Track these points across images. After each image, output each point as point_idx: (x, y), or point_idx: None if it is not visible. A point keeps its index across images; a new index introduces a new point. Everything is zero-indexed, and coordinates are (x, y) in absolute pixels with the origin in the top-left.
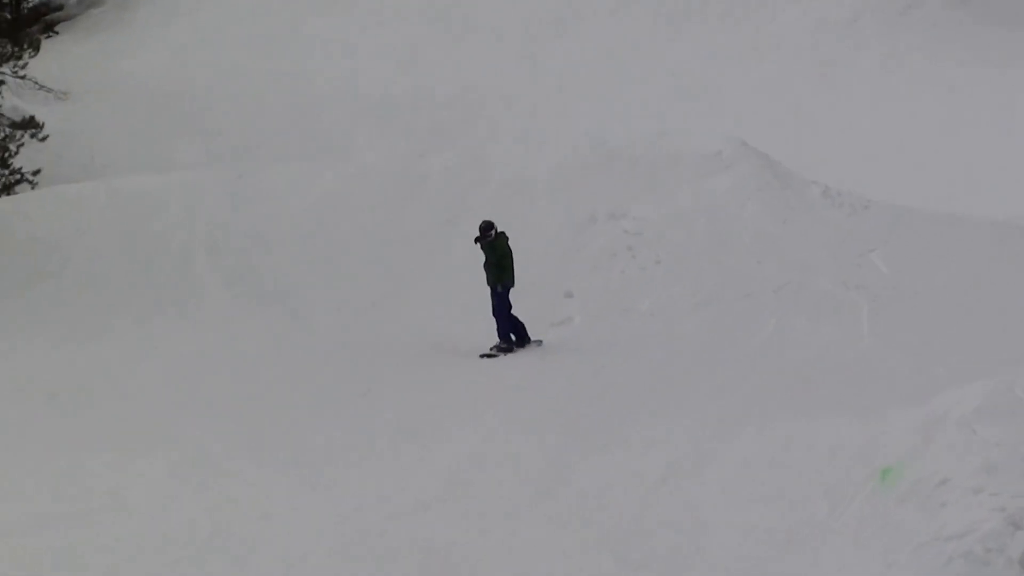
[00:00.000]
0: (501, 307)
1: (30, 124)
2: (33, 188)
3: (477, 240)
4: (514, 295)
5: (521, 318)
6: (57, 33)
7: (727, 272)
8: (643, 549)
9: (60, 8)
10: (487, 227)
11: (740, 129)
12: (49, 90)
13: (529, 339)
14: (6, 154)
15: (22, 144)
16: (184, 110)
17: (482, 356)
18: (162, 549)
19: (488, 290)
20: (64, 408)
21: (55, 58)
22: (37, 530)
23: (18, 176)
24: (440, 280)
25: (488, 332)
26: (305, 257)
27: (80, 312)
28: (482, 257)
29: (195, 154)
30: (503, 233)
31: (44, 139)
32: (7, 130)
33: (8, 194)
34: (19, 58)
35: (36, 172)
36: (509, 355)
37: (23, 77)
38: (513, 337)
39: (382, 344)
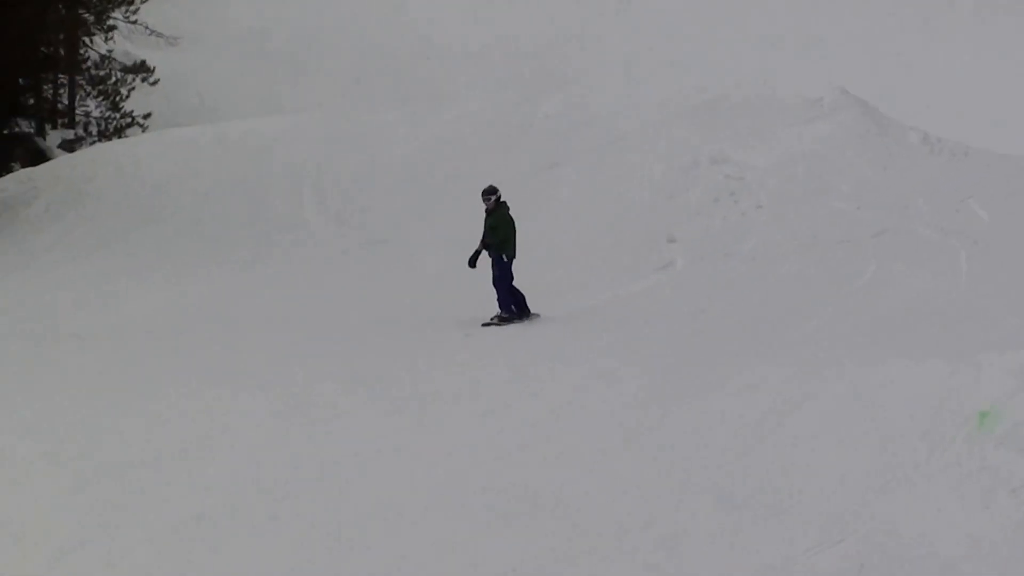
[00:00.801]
0: (504, 277)
1: (141, 68)
2: (144, 131)
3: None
4: (615, 243)
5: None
6: None
7: (827, 217)
8: (742, 491)
9: None
10: (491, 191)
11: (841, 77)
12: (160, 35)
13: (529, 312)
14: (117, 98)
15: (133, 88)
16: (291, 55)
17: (484, 325)
18: (269, 488)
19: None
20: (166, 349)
21: (166, 4)
22: (137, 469)
23: (129, 119)
24: (543, 224)
25: (573, 282)
26: (409, 200)
27: (188, 253)
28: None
29: (302, 98)
30: (504, 203)
31: (155, 83)
32: (119, 74)
33: (119, 137)
34: (130, 3)
35: (147, 116)
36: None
37: (134, 22)
38: (514, 308)
39: (485, 285)
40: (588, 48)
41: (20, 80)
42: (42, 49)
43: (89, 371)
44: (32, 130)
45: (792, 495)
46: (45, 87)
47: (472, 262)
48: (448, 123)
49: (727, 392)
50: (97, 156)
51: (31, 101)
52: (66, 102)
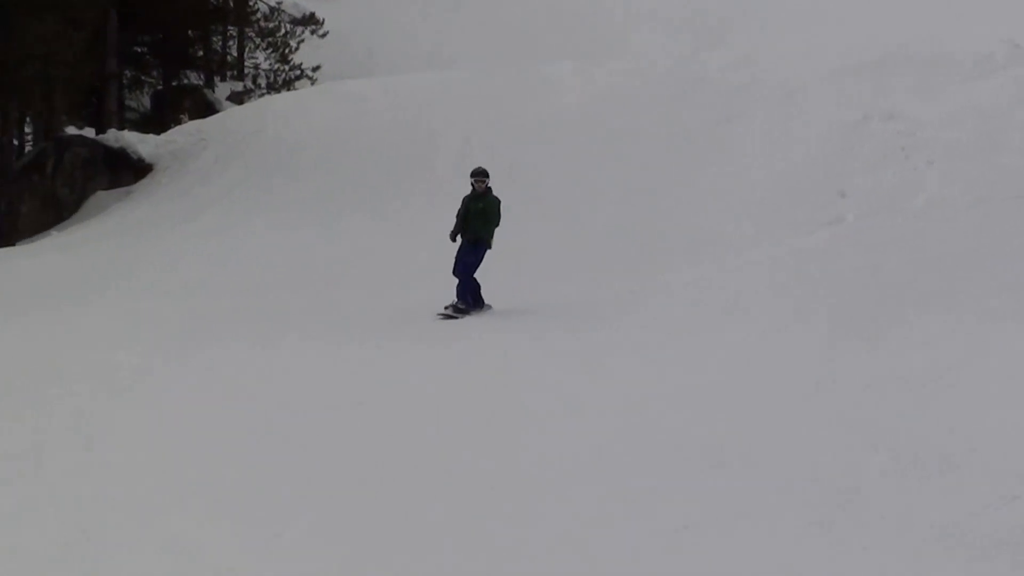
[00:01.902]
0: (475, 267)
1: (310, 21)
2: (312, 84)
3: (474, 186)
4: (786, 197)
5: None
6: None
7: (1000, 172)
8: (915, 448)
9: None
10: (485, 173)
11: (1013, 31)
12: None
13: (483, 303)
14: (287, 50)
15: (302, 40)
16: (461, 8)
17: (440, 315)
18: (447, 436)
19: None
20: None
21: None
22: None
23: (298, 72)
24: (715, 178)
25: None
26: (579, 153)
27: (354, 206)
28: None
29: (471, 51)
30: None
31: (324, 36)
32: (288, 26)
33: (288, 89)
34: None
35: (316, 68)
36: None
37: None
38: (470, 299)
39: (654, 239)
40: (758, 4)
41: (189, 32)
42: (211, 1)
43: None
44: (201, 82)
45: (967, 453)
46: (214, 39)
47: (453, 236)
48: (618, 77)
49: (899, 347)
50: (265, 108)
51: (200, 53)
52: (235, 54)
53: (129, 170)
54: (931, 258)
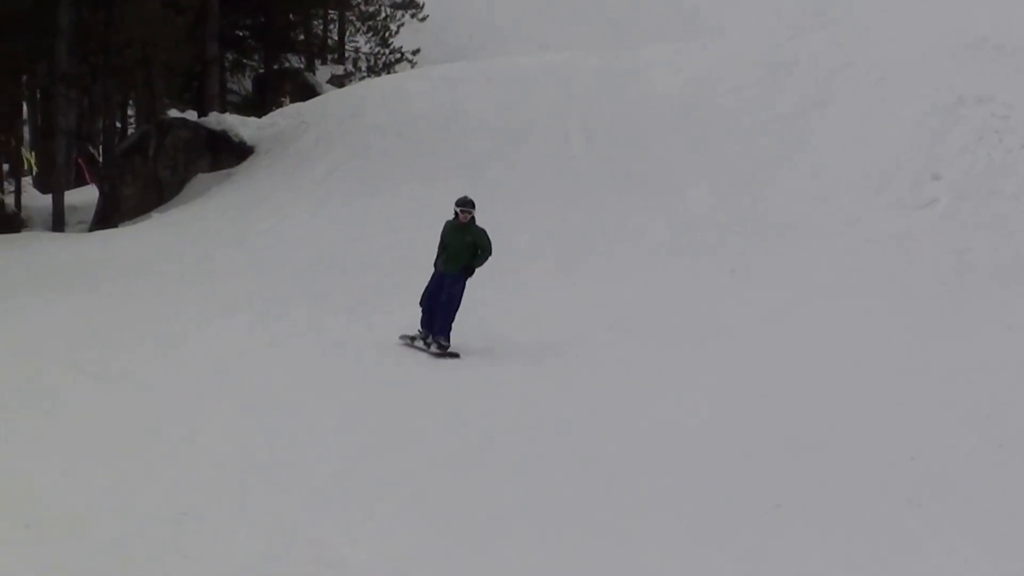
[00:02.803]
0: (458, 299)
1: (410, 5)
2: (412, 67)
3: (457, 215)
4: (880, 180)
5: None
6: None
7: None
8: (1006, 430)
9: None
10: (472, 204)
11: None
12: None
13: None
14: (387, 33)
15: (402, 24)
16: None
17: (407, 341)
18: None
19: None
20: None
21: None
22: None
23: (398, 55)
24: (810, 162)
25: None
26: (673, 136)
27: (454, 189)
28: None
29: (569, 37)
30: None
31: (423, 19)
32: (388, 10)
33: (388, 72)
34: None
35: (415, 52)
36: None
37: None
38: (421, 330)
39: (750, 222)
40: None
41: (290, 16)
42: None
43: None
44: (302, 65)
45: None
46: (315, 23)
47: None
48: (713, 60)
49: (991, 331)
50: (366, 91)
51: (301, 37)
52: (335, 38)
53: (230, 152)
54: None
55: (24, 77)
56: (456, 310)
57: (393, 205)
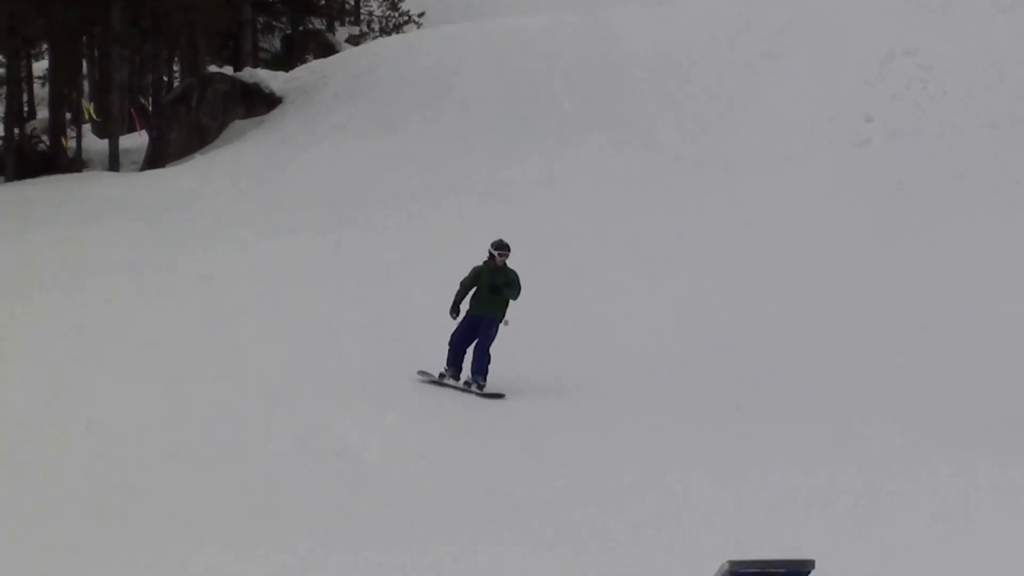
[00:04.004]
0: (492, 339)
1: None
2: (418, 28)
3: (493, 258)
4: (823, 122)
5: None
6: None
7: (1007, 101)
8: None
9: None
10: (509, 248)
11: None
12: None
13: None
14: None
15: None
16: None
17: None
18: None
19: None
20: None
21: None
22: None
23: (406, 17)
24: (760, 109)
25: None
26: (646, 86)
27: (457, 134)
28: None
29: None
30: None
31: None
32: None
33: (398, 32)
34: None
35: (421, 14)
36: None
37: None
38: (448, 368)
39: (714, 159)
40: None
41: None
42: None
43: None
44: (323, 27)
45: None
46: None
47: (455, 309)
48: (681, 22)
49: (920, 245)
50: (378, 49)
51: (322, 2)
52: (352, 3)
53: (262, 102)
54: (946, 175)
55: (84, 38)
56: (489, 348)
57: (402, 144)
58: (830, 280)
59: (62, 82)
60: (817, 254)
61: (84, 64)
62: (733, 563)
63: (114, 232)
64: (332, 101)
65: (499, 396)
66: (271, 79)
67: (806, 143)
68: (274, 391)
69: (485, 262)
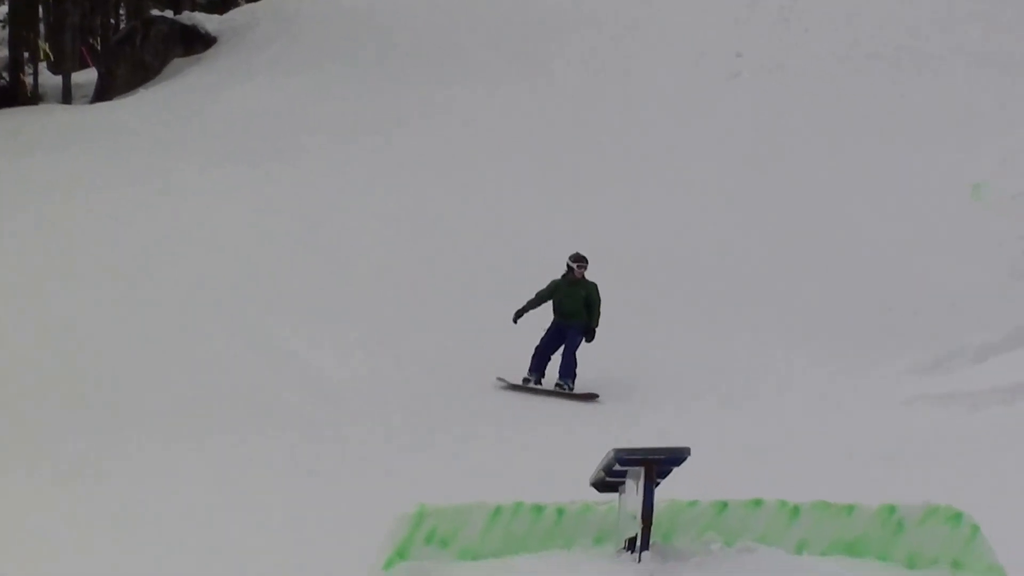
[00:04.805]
0: (578, 345)
1: None
2: None
3: (572, 270)
4: (693, 57)
5: None
6: None
7: (857, 35)
8: None
9: None
10: (586, 260)
11: None
12: None
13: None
14: None
15: None
16: None
17: (505, 384)
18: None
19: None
20: None
21: None
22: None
23: None
24: (639, 45)
25: None
26: (546, 31)
27: (379, 73)
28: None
29: None
30: None
31: None
32: None
33: None
34: None
35: None
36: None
37: None
38: (532, 373)
39: (602, 89)
40: None
41: None
42: None
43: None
44: None
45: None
46: None
47: (518, 316)
48: None
49: (794, 160)
50: None
51: None
52: None
53: (199, 42)
54: (810, 107)
55: None
56: (575, 352)
57: (326, 81)
58: (704, 207)
59: (20, 24)
60: (692, 182)
61: (40, 8)
62: (617, 451)
63: (69, 158)
64: (262, 41)
65: (593, 397)
66: (207, 21)
67: (682, 77)
68: (240, 313)
69: (564, 275)
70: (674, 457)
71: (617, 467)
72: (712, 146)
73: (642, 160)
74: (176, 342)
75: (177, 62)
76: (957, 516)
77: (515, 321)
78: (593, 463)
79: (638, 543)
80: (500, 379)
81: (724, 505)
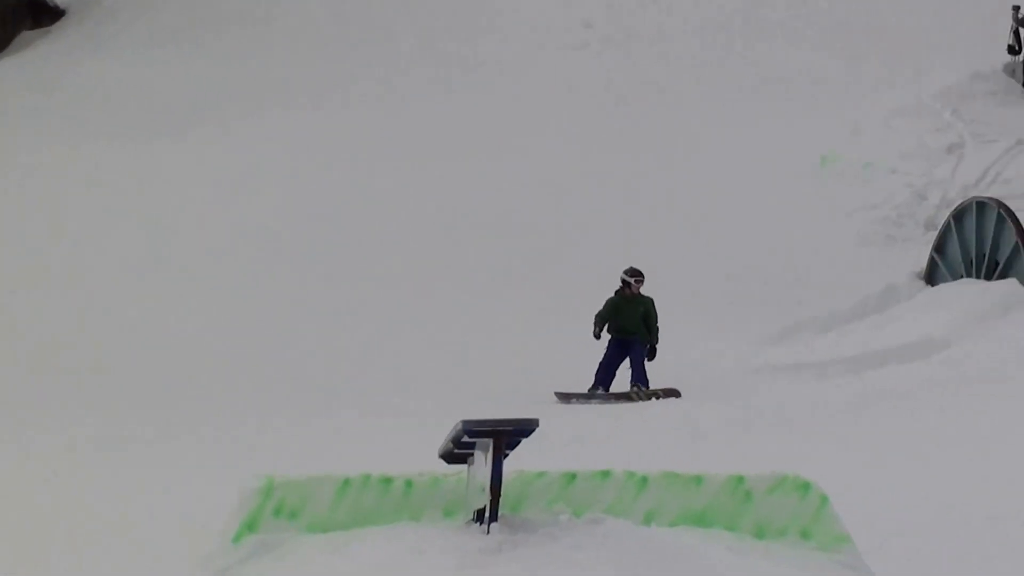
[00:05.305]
0: (643, 356)
1: None
2: None
3: (629, 286)
4: (543, 29)
5: None
6: None
7: (711, 8)
8: None
9: None
10: (642, 274)
11: None
12: None
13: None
14: None
15: None
16: None
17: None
18: None
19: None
20: None
21: None
22: None
23: None
24: (486, 19)
25: None
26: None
27: (220, 29)
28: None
29: None
30: None
31: None
32: None
33: None
34: None
35: None
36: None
37: None
38: (596, 388)
39: (461, 58)
40: None
41: None
42: None
43: None
44: None
45: None
46: None
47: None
48: None
49: (646, 130)
50: None
51: None
52: None
53: (47, 14)
54: (655, 76)
55: None
56: (643, 363)
57: (170, 54)
58: (553, 178)
59: None
60: (538, 146)
61: None
62: (466, 422)
63: None
64: (111, 11)
65: (674, 393)
66: None
67: (535, 46)
68: None
69: (618, 291)
70: (522, 428)
71: (466, 439)
72: (561, 117)
73: (491, 131)
74: None
75: (26, 35)
76: (805, 486)
77: (597, 337)
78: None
79: (487, 514)
80: (558, 394)
81: (573, 476)
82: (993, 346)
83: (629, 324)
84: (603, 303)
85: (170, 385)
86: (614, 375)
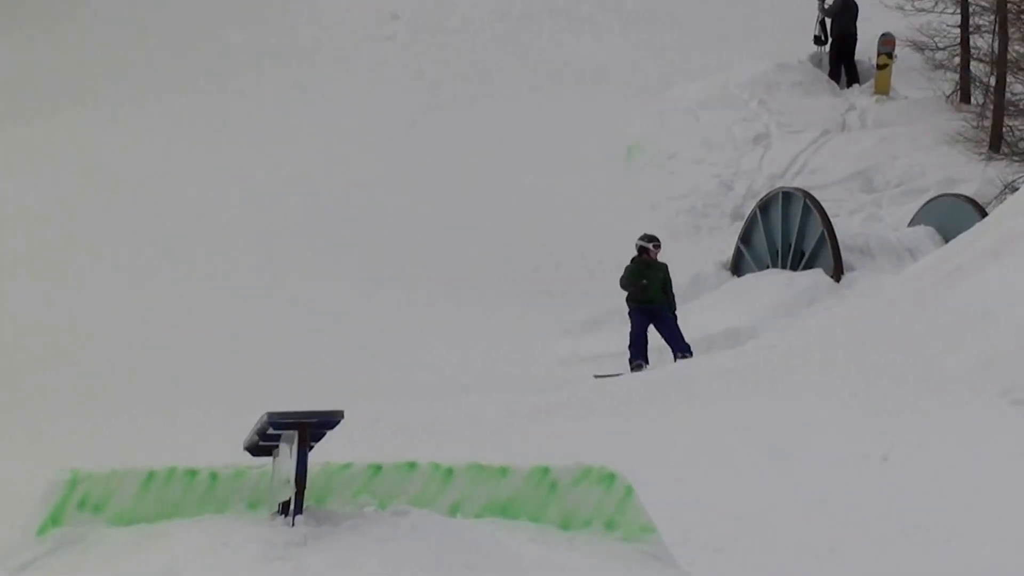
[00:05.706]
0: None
1: None
2: None
3: (647, 251)
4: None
5: None
6: None
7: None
8: None
9: None
10: (658, 240)
11: None
12: None
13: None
14: None
15: None
16: None
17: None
18: None
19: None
20: None
21: None
22: None
23: None
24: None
25: None
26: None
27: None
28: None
29: None
30: None
31: None
32: None
33: None
34: None
35: None
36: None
37: None
38: (637, 361)
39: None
40: None
41: None
42: None
43: None
44: None
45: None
46: None
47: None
48: None
49: (458, 120)
50: None
51: None
52: None
53: None
54: (464, 65)
55: None
56: (675, 326)
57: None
58: (359, 170)
59: None
60: (355, 137)
61: None
62: (271, 414)
63: None
64: None
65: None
66: None
67: (334, 35)
68: None
69: (634, 259)
70: (327, 420)
71: (271, 431)
72: (368, 107)
73: (311, 119)
74: None
75: None
76: (610, 477)
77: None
78: None
79: (292, 507)
80: (598, 376)
81: (378, 468)
82: (798, 335)
83: (653, 292)
84: (622, 270)
85: None
86: (647, 342)
